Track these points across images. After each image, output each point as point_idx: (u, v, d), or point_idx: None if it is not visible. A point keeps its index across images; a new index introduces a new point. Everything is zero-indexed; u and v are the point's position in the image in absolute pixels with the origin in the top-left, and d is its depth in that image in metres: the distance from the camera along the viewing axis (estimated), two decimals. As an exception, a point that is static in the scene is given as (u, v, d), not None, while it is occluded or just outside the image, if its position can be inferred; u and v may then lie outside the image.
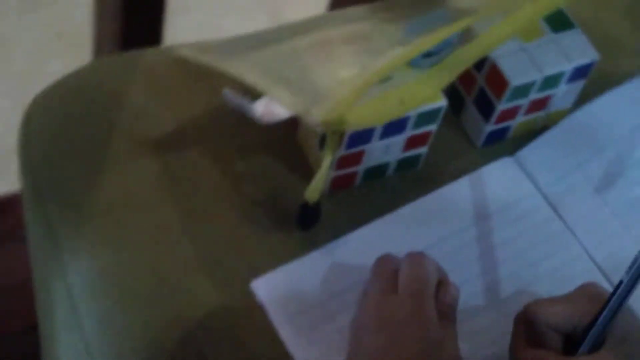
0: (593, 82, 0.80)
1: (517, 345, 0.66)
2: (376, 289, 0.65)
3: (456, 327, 0.65)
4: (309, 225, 0.72)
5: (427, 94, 0.68)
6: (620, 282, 0.61)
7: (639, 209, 0.78)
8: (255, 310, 0.69)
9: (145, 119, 0.76)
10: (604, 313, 0.61)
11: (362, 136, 0.69)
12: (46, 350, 0.79)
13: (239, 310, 0.69)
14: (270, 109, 0.63)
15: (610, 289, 0.71)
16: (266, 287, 0.70)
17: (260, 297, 0.69)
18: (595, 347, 0.63)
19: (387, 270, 0.66)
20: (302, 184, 0.70)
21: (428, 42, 0.66)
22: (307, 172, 0.73)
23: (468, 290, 0.71)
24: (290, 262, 0.71)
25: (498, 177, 0.78)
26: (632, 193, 0.79)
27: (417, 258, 0.65)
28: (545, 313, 0.64)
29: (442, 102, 0.70)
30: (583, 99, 0.82)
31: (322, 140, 0.67)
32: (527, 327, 0.66)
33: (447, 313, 0.64)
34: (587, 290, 0.65)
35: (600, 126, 0.82)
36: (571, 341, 0.64)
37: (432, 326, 0.61)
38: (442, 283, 0.66)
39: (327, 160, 0.65)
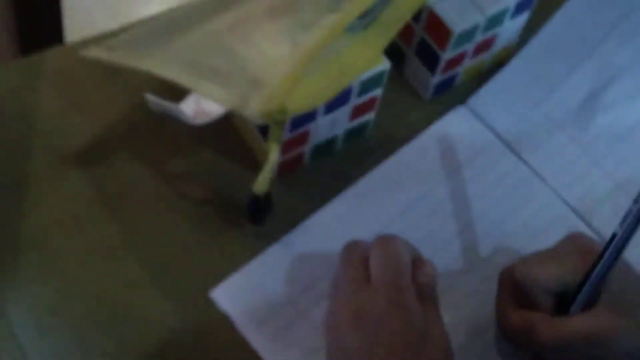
0: (536, 11, 0.75)
1: (504, 307, 0.62)
2: (347, 280, 0.59)
3: (438, 306, 0.60)
4: (262, 219, 0.66)
5: (368, 58, 0.62)
6: (614, 236, 0.56)
7: (605, 140, 0.73)
8: (220, 322, 0.63)
9: (64, 130, 0.69)
10: (597, 269, 0.57)
11: (306, 116, 0.63)
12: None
13: (202, 325, 0.63)
14: (202, 107, 0.56)
15: (589, 232, 0.67)
16: (228, 294, 0.64)
17: (223, 306, 0.64)
18: (590, 303, 0.59)
19: (356, 258, 0.60)
20: (248, 176, 0.64)
21: (361, 2, 0.60)
22: (250, 161, 0.68)
23: (446, 256, 0.67)
24: (248, 262, 0.66)
25: (454, 130, 0.73)
26: (596, 123, 0.74)
27: (386, 242, 0.60)
28: (536, 275, 0.60)
29: (384, 64, 0.64)
30: (530, 30, 0.77)
31: (264, 130, 0.61)
32: (515, 287, 0.62)
33: (427, 294, 0.59)
34: (575, 244, 0.61)
35: (551, 59, 0.77)
36: (563, 299, 0.60)
37: (414, 315, 0.56)
38: (416, 262, 0.61)
39: (274, 152, 0.59)
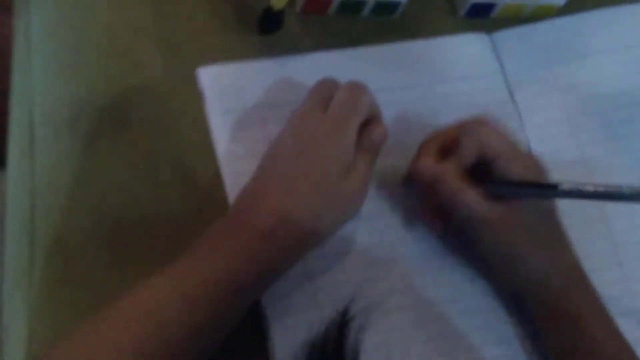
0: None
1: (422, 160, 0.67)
2: (306, 106, 0.66)
3: (373, 159, 0.66)
4: (268, 31, 0.72)
5: None
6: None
7: (592, 116, 0.78)
8: (192, 96, 0.71)
9: None
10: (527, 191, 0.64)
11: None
12: None
13: (177, 88, 0.71)
14: None
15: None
16: (211, 77, 0.71)
17: (201, 84, 0.71)
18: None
19: (323, 91, 0.66)
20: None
21: None
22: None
23: (406, 141, 0.72)
24: (241, 61, 0.72)
25: (467, 49, 0.78)
26: (590, 97, 0.79)
27: (355, 87, 0.66)
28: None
29: (430, -51, 0.70)
30: (575, 4, 0.81)
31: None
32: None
33: (367, 147, 0.65)
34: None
35: (584, 38, 0.81)
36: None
37: (345, 150, 0.63)
38: (374, 120, 0.67)
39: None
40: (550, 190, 0.62)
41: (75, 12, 0.72)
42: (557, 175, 0.75)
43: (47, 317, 0.63)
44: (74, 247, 0.65)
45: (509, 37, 0.80)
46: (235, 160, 0.69)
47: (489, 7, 0.79)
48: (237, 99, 0.71)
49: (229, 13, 0.74)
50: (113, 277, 0.64)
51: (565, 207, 0.67)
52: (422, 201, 0.70)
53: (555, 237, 0.66)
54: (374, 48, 0.76)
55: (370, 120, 0.67)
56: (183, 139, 0.69)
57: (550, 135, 0.77)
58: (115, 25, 0.72)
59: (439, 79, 0.76)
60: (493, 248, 0.65)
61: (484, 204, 0.63)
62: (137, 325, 0.55)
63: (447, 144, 0.67)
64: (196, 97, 0.70)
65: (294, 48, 0.74)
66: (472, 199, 0.63)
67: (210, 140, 0.69)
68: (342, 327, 0.60)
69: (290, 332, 0.64)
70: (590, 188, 0.60)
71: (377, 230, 0.69)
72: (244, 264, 0.58)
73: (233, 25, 0.73)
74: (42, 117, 0.69)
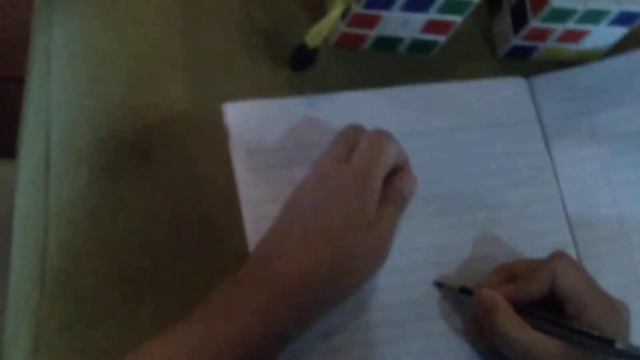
0: (635, 35, 0.76)
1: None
2: (329, 154, 0.63)
3: (398, 213, 0.63)
4: (301, 68, 0.70)
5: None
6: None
7: (630, 170, 0.75)
8: (218, 131, 0.68)
9: None
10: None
11: (383, 1, 0.66)
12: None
13: (202, 123, 0.68)
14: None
15: (571, 245, 0.70)
16: (237, 113, 0.68)
17: (227, 121, 0.68)
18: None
19: (349, 139, 0.63)
20: (310, 25, 0.67)
21: None
22: (321, 15, 0.70)
23: (430, 191, 0.70)
24: (270, 98, 0.69)
25: (505, 93, 0.75)
26: (629, 154, 0.76)
27: (380, 136, 0.63)
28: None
29: (475, -2, 0.67)
30: (619, 49, 0.78)
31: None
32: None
33: (394, 198, 0.63)
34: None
35: (626, 82, 0.78)
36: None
37: (368, 203, 0.60)
38: (402, 170, 0.64)
39: (337, 8, 0.62)
40: (606, 346, 0.58)
41: (101, 35, 0.69)
42: (590, 232, 0.72)
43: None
44: (86, 287, 0.62)
45: (548, 81, 0.76)
46: (257, 204, 0.66)
47: (530, 50, 0.76)
48: (263, 137, 0.68)
49: (261, 47, 0.71)
50: (123, 322, 0.62)
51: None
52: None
53: None
54: (407, 88, 0.73)
55: (398, 170, 0.64)
56: (206, 178, 0.67)
57: (585, 190, 0.74)
58: (141, 54, 0.69)
59: (472, 124, 0.73)
60: None
61: (540, 344, 0.60)
62: None
63: (521, 272, 0.64)
64: (221, 134, 0.68)
65: (325, 84, 0.71)
66: (526, 338, 0.60)
67: (234, 181, 0.67)
68: None
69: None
70: None
71: (404, 293, 0.67)
72: (258, 328, 0.56)
73: (264, 59, 0.70)
74: (59, 141, 0.66)
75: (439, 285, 0.67)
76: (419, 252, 0.68)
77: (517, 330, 0.60)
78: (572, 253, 0.71)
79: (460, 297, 0.66)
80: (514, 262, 0.66)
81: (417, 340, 0.66)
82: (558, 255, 0.63)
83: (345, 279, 0.59)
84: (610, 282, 0.69)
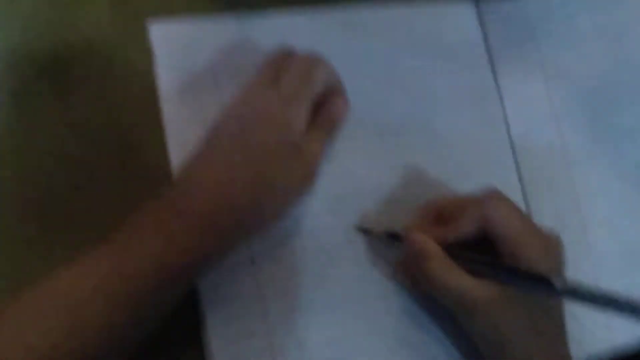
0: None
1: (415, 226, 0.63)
2: (257, 77, 0.60)
3: (328, 136, 0.61)
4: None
5: None
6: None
7: (576, 103, 0.73)
8: (143, 51, 0.64)
9: None
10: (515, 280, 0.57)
11: None
12: None
13: (126, 44, 0.64)
14: None
15: (514, 170, 0.67)
16: (164, 33, 0.65)
17: (153, 40, 0.64)
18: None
19: (277, 62, 0.61)
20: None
21: None
22: None
23: (368, 117, 0.67)
24: (199, 17, 0.66)
25: (452, 17, 0.72)
26: (574, 83, 0.73)
27: (309, 59, 0.60)
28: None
29: None
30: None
31: None
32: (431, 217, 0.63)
33: (323, 123, 0.60)
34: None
35: (577, 21, 0.75)
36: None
37: (294, 130, 0.57)
38: (334, 94, 0.61)
39: None
40: (544, 285, 0.55)
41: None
42: (533, 157, 0.70)
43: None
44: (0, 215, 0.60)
45: (497, 7, 0.73)
46: (182, 128, 0.63)
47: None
48: (191, 58, 0.65)
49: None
50: (38, 254, 0.59)
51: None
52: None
53: (551, 329, 0.58)
54: (346, 10, 0.69)
55: (330, 94, 0.61)
56: (129, 101, 0.63)
57: (530, 116, 0.72)
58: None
59: (416, 48, 0.70)
60: (480, 331, 0.58)
61: (475, 290, 0.57)
62: (52, 321, 0.50)
63: (450, 211, 0.61)
64: (147, 55, 0.64)
65: (259, 5, 0.68)
66: (460, 284, 0.57)
67: (159, 103, 0.64)
68: None
69: (228, 322, 0.59)
70: (590, 290, 0.53)
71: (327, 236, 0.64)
72: (174, 256, 0.53)
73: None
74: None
75: (363, 230, 0.64)
76: (349, 184, 0.65)
77: (450, 275, 0.58)
78: (514, 178, 0.70)
79: (387, 241, 0.63)
80: (440, 201, 0.64)
81: (341, 285, 0.63)
82: (489, 193, 0.60)
83: (269, 206, 0.57)
84: (551, 208, 0.68)
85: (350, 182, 0.65)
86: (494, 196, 0.60)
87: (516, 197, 0.69)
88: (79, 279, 0.52)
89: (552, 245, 0.60)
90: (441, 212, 0.62)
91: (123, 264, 0.52)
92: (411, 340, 0.63)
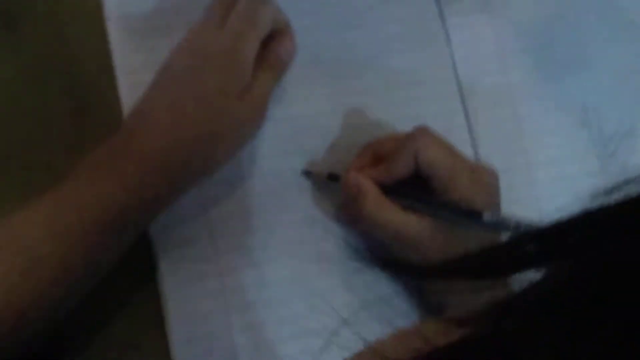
0: None
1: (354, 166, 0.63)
2: (204, 17, 0.60)
3: (276, 77, 0.62)
4: None
5: None
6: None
7: (520, 39, 0.73)
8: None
9: None
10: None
11: None
12: None
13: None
14: None
15: (461, 110, 0.68)
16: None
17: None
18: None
19: (225, 2, 0.60)
20: None
21: None
22: None
23: (315, 57, 0.67)
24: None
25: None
26: (521, 22, 0.74)
27: (257, 0, 0.60)
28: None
29: None
30: None
31: None
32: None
33: (271, 63, 0.61)
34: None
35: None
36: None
37: (242, 68, 0.58)
38: (281, 34, 0.61)
39: None
40: (474, 218, 0.57)
41: None
42: (480, 98, 0.71)
43: None
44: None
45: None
46: (133, 71, 0.63)
47: None
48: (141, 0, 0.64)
49: None
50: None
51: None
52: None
53: None
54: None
55: (278, 33, 0.61)
56: (77, 44, 0.63)
57: (477, 56, 0.72)
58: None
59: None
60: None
61: (407, 224, 0.59)
62: (7, 262, 0.50)
63: (386, 151, 0.62)
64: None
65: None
66: (392, 219, 0.59)
67: (108, 47, 0.63)
68: None
69: (180, 264, 0.60)
70: (517, 222, 0.55)
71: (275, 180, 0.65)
72: (125, 196, 0.54)
73: None
74: None
75: (307, 173, 0.65)
76: (298, 127, 0.66)
77: (386, 212, 0.60)
78: (461, 119, 0.70)
79: (329, 183, 0.64)
80: (378, 141, 0.64)
81: (291, 228, 0.64)
82: (419, 131, 0.61)
83: (216, 147, 0.58)
84: (497, 148, 0.69)
85: (299, 125, 0.66)
86: (424, 132, 0.61)
87: (463, 138, 0.69)
88: (33, 219, 0.52)
89: (485, 180, 0.61)
90: (379, 152, 0.63)
91: (75, 203, 0.53)
92: (364, 277, 0.64)
